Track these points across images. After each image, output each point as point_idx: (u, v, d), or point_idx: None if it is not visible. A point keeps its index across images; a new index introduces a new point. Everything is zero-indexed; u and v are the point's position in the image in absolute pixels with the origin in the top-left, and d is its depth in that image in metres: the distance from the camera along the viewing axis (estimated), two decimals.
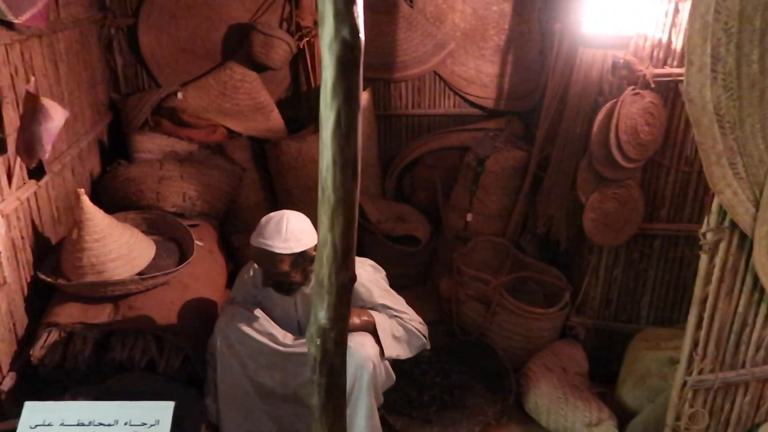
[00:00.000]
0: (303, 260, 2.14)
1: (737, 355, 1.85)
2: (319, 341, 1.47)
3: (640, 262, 2.72)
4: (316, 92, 3.81)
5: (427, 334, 2.36)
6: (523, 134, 3.72)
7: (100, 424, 1.54)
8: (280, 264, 2.06)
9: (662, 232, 2.64)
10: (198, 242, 2.81)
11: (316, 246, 2.19)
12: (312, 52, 3.79)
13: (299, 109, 3.98)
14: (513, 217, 3.26)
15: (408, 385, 2.76)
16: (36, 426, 1.54)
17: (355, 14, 1.23)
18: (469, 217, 3.26)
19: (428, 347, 2.37)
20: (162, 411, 1.58)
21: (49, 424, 1.54)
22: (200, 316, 2.54)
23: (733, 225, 1.68)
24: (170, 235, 2.85)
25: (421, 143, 3.95)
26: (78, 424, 1.53)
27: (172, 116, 3.62)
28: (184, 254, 2.73)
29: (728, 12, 1.47)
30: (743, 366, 1.87)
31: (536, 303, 3.02)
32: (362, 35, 1.25)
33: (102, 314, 2.39)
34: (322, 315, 1.44)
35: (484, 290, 2.85)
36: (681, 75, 2.33)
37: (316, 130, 3.73)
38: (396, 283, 3.65)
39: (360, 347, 2.12)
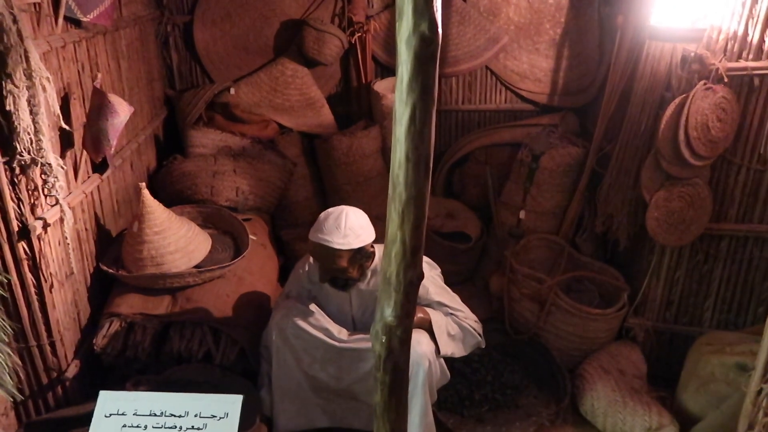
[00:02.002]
0: (361, 256, 2.13)
1: None
2: (384, 339, 1.46)
3: (705, 264, 2.61)
4: (366, 88, 3.82)
5: (481, 333, 2.33)
6: (578, 130, 3.63)
7: (171, 415, 1.57)
8: (338, 260, 2.06)
9: (730, 232, 2.53)
10: (252, 236, 2.83)
11: (374, 242, 2.20)
12: (363, 47, 3.78)
13: (350, 105, 3.98)
14: (568, 215, 3.19)
15: (460, 383, 2.73)
16: (110, 415, 1.57)
17: (435, 9, 1.20)
18: (522, 214, 3.20)
19: (483, 345, 2.34)
20: (231, 404, 1.59)
21: (122, 413, 1.57)
22: (255, 310, 2.56)
23: None
24: (225, 229, 2.88)
25: (472, 139, 3.90)
26: (150, 414, 1.56)
27: (225, 112, 3.67)
28: (238, 248, 2.76)
29: None
30: None
31: (592, 303, 2.95)
32: (440, 30, 1.22)
33: (161, 306, 2.44)
34: (388, 312, 1.43)
35: (539, 289, 2.80)
36: (757, 69, 2.23)
37: (367, 126, 3.74)
38: (446, 280, 3.65)
39: (416, 344, 2.09)
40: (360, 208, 3.58)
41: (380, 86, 3.72)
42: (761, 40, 2.21)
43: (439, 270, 2.39)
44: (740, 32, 2.21)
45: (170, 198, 3.18)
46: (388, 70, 3.91)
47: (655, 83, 2.44)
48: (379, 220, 3.70)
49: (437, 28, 1.21)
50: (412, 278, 1.40)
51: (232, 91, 3.78)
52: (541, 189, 3.24)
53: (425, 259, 2.38)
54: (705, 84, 2.23)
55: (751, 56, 2.23)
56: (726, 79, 2.23)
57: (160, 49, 3.75)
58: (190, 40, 3.78)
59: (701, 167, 2.36)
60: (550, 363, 2.79)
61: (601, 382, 2.53)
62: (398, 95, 1.26)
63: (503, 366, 2.87)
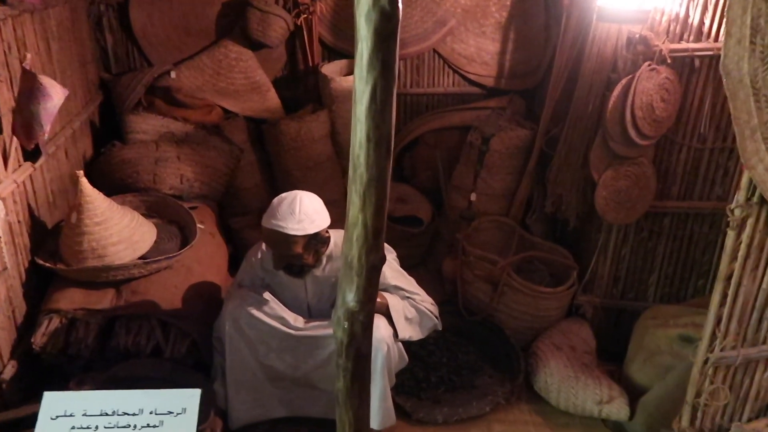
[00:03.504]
0: (316, 242, 2.09)
1: (759, 331, 1.84)
2: (346, 324, 1.43)
3: (650, 240, 2.70)
4: (313, 71, 3.73)
5: (438, 315, 2.33)
6: (525, 113, 3.67)
7: (125, 413, 1.48)
8: (293, 246, 2.01)
9: (672, 209, 2.63)
10: (200, 225, 2.73)
11: (328, 227, 2.16)
12: (310, 29, 3.69)
13: (297, 89, 3.88)
14: (517, 196, 3.23)
15: (416, 366, 2.74)
16: (57, 417, 1.47)
17: None
18: (473, 197, 3.22)
19: (440, 328, 2.35)
20: (188, 399, 1.52)
21: (70, 415, 1.47)
22: (205, 300, 2.48)
23: (762, 201, 1.65)
24: (171, 218, 2.77)
25: (421, 123, 3.88)
26: (101, 414, 1.47)
27: (166, 96, 3.51)
28: (185, 237, 2.66)
29: None
30: (764, 342, 1.86)
31: (542, 282, 3.01)
32: (401, 5, 1.19)
33: (104, 300, 2.32)
34: (350, 297, 1.39)
35: (491, 270, 2.83)
36: (697, 50, 2.30)
37: (315, 110, 3.66)
38: (400, 263, 3.65)
39: (374, 329, 2.02)
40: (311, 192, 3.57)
41: (328, 69, 3.65)
42: (701, 22, 2.28)
43: (395, 254, 2.38)
44: (682, 14, 2.28)
45: (111, 187, 3.01)
46: (335, 52, 3.84)
47: (602, 64, 2.49)
48: (330, 205, 3.64)
49: (398, 2, 1.17)
50: (375, 262, 1.37)
51: (173, 74, 3.61)
52: (491, 171, 3.27)
53: None
54: (650, 65, 2.28)
55: (692, 38, 2.31)
56: (669, 60, 2.29)
57: (93, 30, 3.54)
58: (126, 20, 3.59)
59: (646, 147, 2.43)
60: (504, 342, 2.83)
61: (553, 359, 2.59)
62: (358, 73, 1.22)
63: (458, 347, 2.89)
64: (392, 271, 2.24)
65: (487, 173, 3.27)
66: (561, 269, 2.97)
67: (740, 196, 1.66)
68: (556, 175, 2.81)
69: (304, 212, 2.01)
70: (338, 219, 3.63)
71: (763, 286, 1.78)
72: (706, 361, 1.84)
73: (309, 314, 2.30)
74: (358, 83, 1.22)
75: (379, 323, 2.12)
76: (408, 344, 2.71)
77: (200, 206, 3.07)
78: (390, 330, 2.14)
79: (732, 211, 1.68)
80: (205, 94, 3.63)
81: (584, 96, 2.58)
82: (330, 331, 2.13)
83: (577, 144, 2.65)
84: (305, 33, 3.70)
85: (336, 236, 2.22)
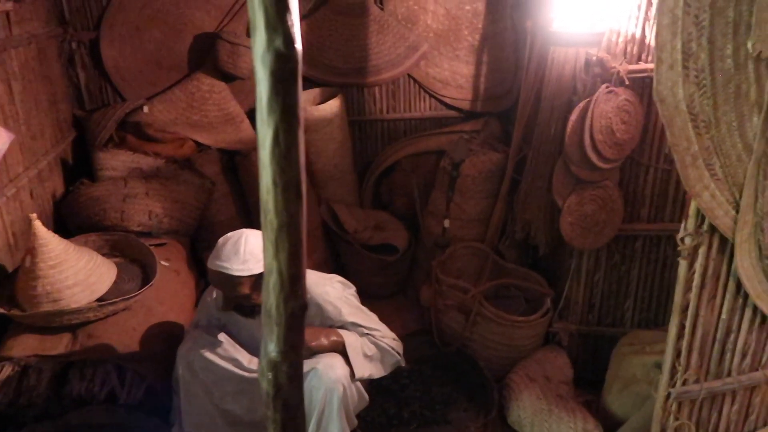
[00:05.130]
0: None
1: (722, 363, 1.76)
2: (270, 375, 1.36)
3: (622, 264, 2.63)
4: None
5: (401, 351, 2.26)
6: (501, 135, 3.63)
7: None
8: (239, 287, 1.95)
9: (643, 232, 2.55)
10: (163, 262, 2.69)
11: None
12: None
13: None
14: (492, 221, 3.17)
15: (387, 402, 2.67)
16: None
17: (290, 23, 1.12)
18: (447, 223, 3.16)
19: (403, 364, 2.27)
20: None
21: None
22: (166, 341, 2.42)
23: (713, 229, 1.58)
24: (133, 257, 2.73)
25: (397, 148, 3.85)
26: None
27: (138, 131, 3.50)
28: (147, 276, 2.61)
29: (699, 4, 1.38)
30: (729, 374, 1.78)
31: (519, 310, 2.93)
32: (299, 46, 1.14)
33: (59, 345, 2.27)
34: (272, 348, 1.33)
35: (463, 299, 2.75)
36: None
37: None
38: (376, 292, 3.60)
39: (329, 369, 2.02)
40: None
41: None
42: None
43: (354, 289, 2.31)
44: (638, 35, 2.23)
45: (79, 226, 3.01)
46: (309, 81, 3.83)
47: (562, 88, 2.44)
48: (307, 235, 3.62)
49: (294, 43, 1.13)
50: (294, 309, 1.30)
51: (146, 109, 3.61)
52: (465, 196, 3.21)
53: (338, 278, 2.31)
54: (607, 87, 2.23)
55: (650, 58, 2.25)
56: (627, 82, 2.24)
57: (66, 68, 3.55)
58: (99, 57, 3.60)
59: (610, 170, 2.36)
60: (478, 374, 2.75)
61: (526, 390, 2.50)
62: (259, 116, 1.17)
63: (433, 380, 2.82)
64: (350, 308, 2.18)
65: (460, 198, 3.21)
66: (537, 296, 2.90)
67: (689, 224, 1.59)
68: (524, 200, 2.75)
69: (249, 252, 1.96)
70: (314, 249, 3.62)
71: (723, 316, 1.70)
72: (668, 397, 1.76)
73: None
74: (260, 127, 1.17)
75: (335, 363, 2.05)
76: (380, 379, 2.63)
77: (169, 242, 3.03)
78: (346, 369, 2.07)
79: (682, 240, 1.61)
80: (179, 127, 3.62)
81: (546, 120, 2.53)
82: None
83: (542, 169, 2.60)
84: None
85: None
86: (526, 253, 3.10)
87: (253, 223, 3.64)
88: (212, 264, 1.97)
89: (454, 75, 3.84)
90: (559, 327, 2.75)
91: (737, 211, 1.54)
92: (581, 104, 2.25)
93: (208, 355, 2.10)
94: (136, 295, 2.40)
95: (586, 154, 2.26)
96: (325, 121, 3.50)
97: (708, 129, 1.46)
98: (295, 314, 1.32)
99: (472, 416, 2.59)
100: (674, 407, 1.77)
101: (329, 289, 2.15)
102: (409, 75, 3.85)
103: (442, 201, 3.24)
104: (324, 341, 2.07)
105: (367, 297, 3.55)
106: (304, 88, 3.81)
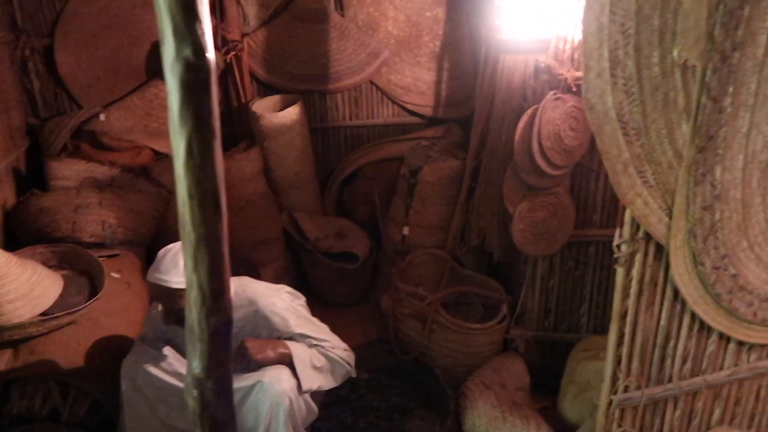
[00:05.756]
0: None
1: (663, 369, 1.76)
2: (195, 393, 1.33)
3: (576, 270, 2.63)
4: (246, 108, 3.68)
5: (353, 362, 2.23)
6: (463, 142, 3.63)
7: None
8: (179, 300, 1.91)
9: (596, 238, 2.56)
10: (114, 274, 2.63)
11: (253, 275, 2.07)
12: (240, 66, 3.64)
13: (232, 126, 3.83)
14: (451, 228, 3.16)
15: (344, 412, 2.63)
16: None
17: (200, 32, 1.09)
18: (406, 230, 3.14)
19: (354, 375, 2.24)
20: None
21: None
22: (113, 356, 2.35)
23: (648, 236, 1.58)
24: (82, 269, 2.66)
25: (360, 155, 3.84)
26: None
27: (93, 140, 3.43)
28: (96, 289, 2.55)
29: (624, 12, 1.38)
30: (670, 380, 1.78)
31: (477, 317, 2.92)
32: (211, 55, 1.12)
33: (0, 362, 2.20)
34: (195, 365, 1.29)
35: (420, 307, 2.74)
36: None
37: (248, 147, 3.60)
38: (338, 301, 3.57)
39: (274, 382, 1.98)
40: (244, 233, 3.49)
41: (259, 106, 3.60)
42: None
43: (304, 300, 2.28)
44: None
45: (30, 237, 2.93)
46: (270, 88, 3.80)
47: (512, 94, 2.45)
48: (266, 244, 3.58)
49: (205, 52, 1.10)
50: (217, 325, 1.27)
51: (102, 117, 3.54)
52: (425, 203, 3.20)
53: (287, 289, 2.28)
54: (555, 94, 2.24)
55: None
56: (575, 89, 2.25)
57: (18, 75, 3.47)
58: (53, 64, 3.53)
59: (560, 176, 2.37)
60: (436, 382, 2.73)
61: (482, 398, 2.49)
62: (171, 127, 1.14)
63: (391, 389, 2.79)
64: (298, 319, 2.14)
65: (420, 205, 3.20)
66: (495, 302, 2.89)
67: (624, 231, 1.59)
68: (478, 207, 2.74)
69: None
70: (276, 258, 3.58)
71: (662, 322, 1.70)
72: (610, 404, 1.76)
73: None
74: (173, 138, 1.14)
75: (281, 375, 2.02)
76: (337, 389, 2.60)
77: (123, 253, 2.97)
78: (293, 382, 2.04)
79: (618, 247, 1.61)
80: (136, 135, 3.56)
81: (498, 127, 2.53)
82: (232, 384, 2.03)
83: (495, 176, 2.59)
84: (236, 70, 3.65)
85: (236, 285, 2.12)
86: (483, 259, 3.10)
87: None
88: (151, 277, 1.92)
89: (416, 81, 3.84)
90: (515, 334, 2.74)
91: (670, 218, 1.55)
92: (529, 111, 2.26)
93: (152, 369, 2.05)
94: (82, 308, 2.34)
95: (535, 161, 2.26)
96: (285, 128, 3.47)
97: (638, 136, 1.46)
98: (218, 330, 1.29)
99: (429, 425, 2.57)
100: (617, 414, 1.77)
101: (276, 300, 2.12)
102: (371, 81, 3.84)
103: (402, 208, 3.23)
104: (270, 353, 2.04)
105: (329, 305, 3.56)
106: (265, 95, 3.78)
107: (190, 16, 1.07)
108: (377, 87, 3.86)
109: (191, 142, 1.14)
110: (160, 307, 2.19)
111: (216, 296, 1.25)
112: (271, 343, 2.06)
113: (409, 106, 3.89)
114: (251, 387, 2.00)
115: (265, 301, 2.10)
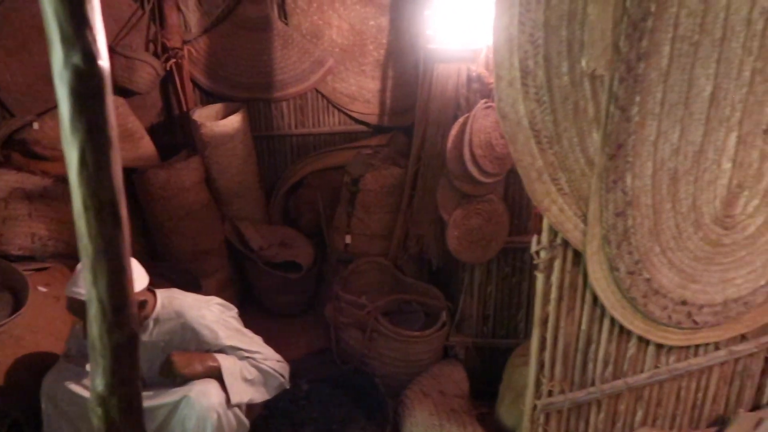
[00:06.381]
0: None
1: (585, 373, 1.79)
2: (99, 411, 1.28)
3: (513, 276, 2.66)
4: (187, 116, 3.62)
5: (286, 373, 2.20)
6: (407, 150, 3.64)
7: None
8: None
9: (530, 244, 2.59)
10: (41, 288, 2.54)
11: (145, 290, 2.02)
12: (181, 73, 3.58)
13: (174, 135, 3.75)
14: (394, 236, 3.16)
15: (282, 425, 2.59)
16: None
17: (90, 38, 1.07)
18: (348, 238, 3.13)
19: (287, 386, 2.21)
20: None
21: None
22: (34, 373, 2.26)
23: (566, 242, 1.61)
24: (6, 284, 2.55)
25: (305, 164, 3.82)
26: None
27: (24, 149, 3.31)
28: (20, 303, 2.45)
29: (533, 23, 1.40)
30: (593, 384, 1.81)
31: (418, 325, 2.92)
32: (103, 62, 1.09)
33: None
34: (98, 382, 1.25)
35: (359, 316, 2.72)
36: None
37: (188, 156, 3.53)
38: (283, 311, 3.52)
39: (201, 397, 1.94)
40: (185, 243, 3.42)
41: (201, 114, 3.54)
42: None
43: (236, 311, 2.24)
44: None
45: None
46: (213, 96, 3.75)
47: (446, 103, 2.47)
48: (208, 255, 3.51)
49: (96, 59, 1.07)
50: (120, 340, 1.23)
51: (36, 125, 3.42)
52: (368, 211, 3.19)
53: (218, 300, 2.23)
54: (486, 102, 2.26)
55: None
56: None
57: None
58: None
59: (493, 183, 2.39)
60: (376, 391, 2.72)
61: (420, 406, 2.48)
62: (63, 136, 1.11)
63: (332, 399, 2.76)
64: (228, 331, 2.10)
65: (363, 213, 3.19)
66: (435, 310, 2.90)
67: (543, 237, 1.61)
68: (416, 214, 2.75)
69: None
70: (219, 268, 3.51)
71: (583, 327, 1.73)
72: (534, 408, 1.77)
73: (142, 383, 2.12)
74: (65, 148, 1.11)
75: (209, 389, 1.97)
76: (277, 401, 2.57)
77: (53, 266, 2.87)
78: (222, 395, 2.00)
79: (537, 253, 1.63)
80: None
81: (434, 135, 2.55)
82: (157, 401, 1.98)
83: (431, 183, 2.61)
84: (177, 77, 3.59)
85: (163, 297, 2.07)
86: (425, 267, 3.11)
87: (151, 242, 3.51)
88: (68, 291, 1.86)
89: (361, 90, 3.85)
90: (455, 340, 2.75)
91: (586, 224, 1.58)
92: (461, 119, 2.28)
93: (73, 387, 1.98)
94: (2, 325, 2.24)
95: (467, 169, 2.28)
96: (227, 137, 3.42)
97: (551, 144, 1.48)
98: (122, 345, 1.25)
99: None
100: (542, 419, 1.79)
101: (206, 312, 2.08)
102: (316, 90, 3.83)
103: (345, 216, 3.22)
104: (198, 367, 1.99)
105: (274, 316, 3.51)
106: (208, 103, 3.73)
107: (79, 22, 1.04)
108: (322, 95, 3.85)
109: (84, 151, 1.11)
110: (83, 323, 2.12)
111: (117, 310, 1.22)
112: (198, 357, 2.01)
113: (354, 115, 3.90)
114: (177, 402, 1.95)
115: (194, 314, 2.05)
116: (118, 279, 1.21)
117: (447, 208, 2.41)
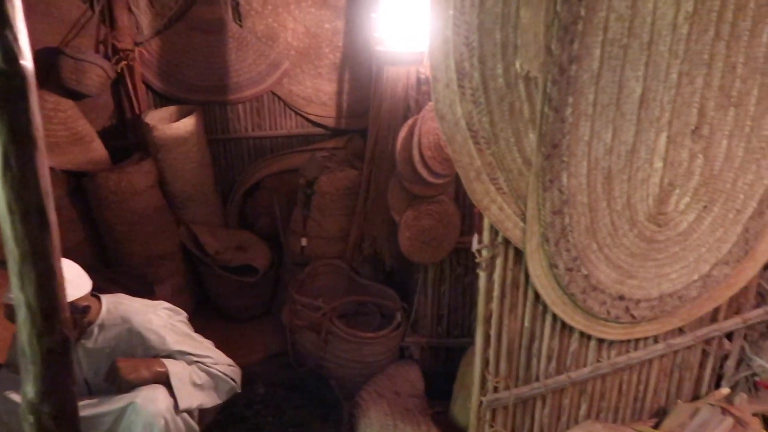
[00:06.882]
0: (71, 313, 1.89)
1: (530, 369, 1.83)
2: (31, 419, 1.26)
3: (466, 276, 2.70)
4: (140, 119, 3.56)
5: (238, 377, 2.18)
6: (364, 153, 3.65)
7: None
8: None
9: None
10: None
11: (88, 295, 1.98)
12: (133, 76, 3.52)
13: (126, 138, 3.69)
14: (350, 238, 3.17)
15: (237, 430, 2.57)
16: None
17: (10, 37, 1.05)
18: (304, 241, 3.12)
19: (238, 390, 2.19)
20: None
21: None
22: None
23: (507, 240, 1.64)
24: None
25: (262, 167, 3.79)
26: None
27: None
28: None
29: (467, 26, 1.43)
30: (537, 379, 1.85)
31: (374, 326, 2.93)
32: (26, 62, 1.07)
33: None
34: (29, 389, 1.23)
35: (314, 318, 2.72)
36: None
37: (141, 159, 3.48)
38: (240, 315, 3.49)
39: (148, 403, 1.91)
40: (138, 248, 3.36)
41: (153, 117, 3.49)
42: None
43: (184, 315, 2.21)
44: None
45: None
46: (167, 99, 3.69)
47: (396, 105, 2.49)
48: (162, 260, 3.45)
49: (18, 59, 1.05)
50: (51, 346, 1.21)
51: None
52: (324, 214, 3.19)
53: (165, 305, 2.20)
54: None
55: None
56: None
57: None
58: None
59: (443, 184, 2.42)
60: (332, 393, 2.72)
61: (374, 407, 2.50)
62: None
63: (287, 402, 2.76)
64: (176, 335, 2.08)
65: (319, 216, 3.19)
66: (391, 311, 2.91)
67: (485, 236, 1.64)
68: (370, 216, 2.77)
69: None
70: (173, 273, 3.46)
71: (526, 324, 1.77)
72: (480, 405, 1.80)
73: (89, 391, 2.08)
74: None
75: (156, 395, 1.94)
76: (231, 405, 2.55)
77: None
78: (169, 401, 1.97)
79: (479, 252, 1.66)
80: None
81: (385, 137, 2.57)
82: (102, 408, 1.94)
83: (383, 185, 2.63)
84: (129, 80, 3.53)
85: (109, 302, 2.04)
86: (381, 268, 3.12)
87: (104, 248, 3.44)
88: (5, 298, 1.81)
89: (318, 92, 3.85)
90: (410, 341, 2.77)
91: (525, 223, 1.61)
92: (410, 121, 2.30)
93: (14, 397, 1.93)
94: None
95: (417, 170, 2.30)
96: (180, 140, 3.37)
97: (488, 145, 1.52)
98: (53, 351, 1.23)
99: None
100: (488, 415, 1.82)
101: (152, 317, 2.05)
102: (272, 92, 3.81)
103: (301, 219, 3.21)
104: (144, 373, 1.96)
105: (231, 321, 3.48)
106: (163, 106, 3.67)
107: (2, 20, 1.03)
108: (279, 98, 3.84)
109: (7, 153, 1.09)
110: None
111: (48, 316, 1.20)
112: (145, 362, 1.98)
113: (311, 117, 3.89)
114: (123, 409, 1.92)
115: (140, 319, 2.02)
116: (47, 283, 1.19)
117: (398, 209, 2.43)
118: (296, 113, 3.90)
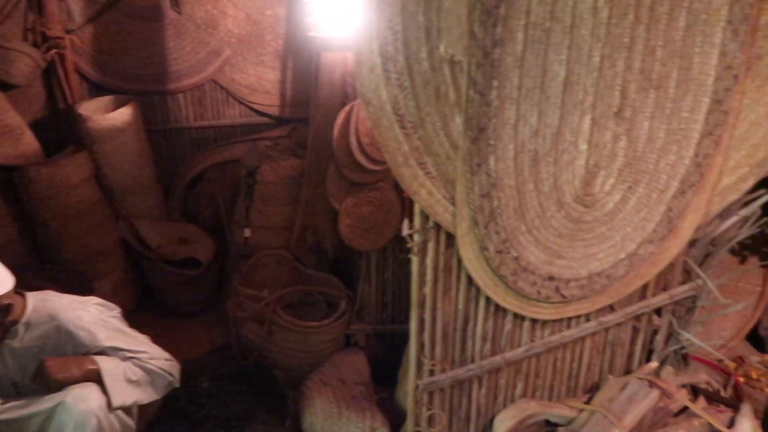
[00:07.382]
0: None
1: (465, 351, 1.85)
2: None
3: (409, 262, 2.70)
4: (73, 110, 3.43)
5: (175, 372, 2.14)
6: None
7: None
8: None
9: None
10: None
11: (11, 293, 1.90)
12: (64, 65, 3.39)
13: (60, 130, 3.54)
14: (294, 228, 3.14)
15: (179, 425, 2.52)
16: None
17: None
18: (247, 232, 3.08)
19: (177, 384, 2.15)
20: None
21: None
22: None
23: (438, 225, 1.65)
24: None
25: (204, 157, 3.72)
26: None
27: None
28: None
29: (391, 9, 1.42)
30: (473, 361, 1.88)
31: (321, 315, 2.92)
32: None
33: None
34: None
35: (257, 309, 2.69)
36: None
37: (75, 152, 3.35)
38: (186, 309, 3.43)
39: (79, 401, 1.85)
40: (75, 244, 3.24)
41: (88, 108, 3.37)
42: None
43: (118, 311, 2.14)
44: None
45: None
46: (103, 89, 3.57)
47: (333, 92, 2.47)
48: (100, 255, 3.35)
49: None
50: None
51: None
52: (268, 204, 3.15)
53: (97, 300, 2.14)
54: None
55: None
56: None
57: None
58: None
59: (382, 171, 2.42)
60: (277, 384, 2.70)
61: (319, 396, 2.49)
62: None
63: (232, 396, 2.72)
64: (108, 331, 2.01)
65: (263, 206, 3.15)
66: (336, 300, 2.91)
67: (416, 221, 1.65)
68: (311, 205, 2.75)
69: None
70: (113, 269, 3.37)
71: (460, 306, 1.79)
72: (417, 388, 1.82)
73: (17, 392, 2.00)
74: None
75: (87, 393, 1.88)
76: (174, 400, 2.50)
77: None
78: (102, 399, 1.91)
79: (410, 237, 1.66)
80: None
81: (323, 124, 2.54)
82: (30, 410, 1.87)
83: (323, 173, 2.61)
84: (60, 68, 3.39)
85: (35, 300, 1.96)
86: (325, 257, 3.11)
87: (38, 245, 3.31)
88: None
89: (261, 81, 3.79)
90: (355, 328, 2.78)
91: (455, 207, 1.62)
92: (346, 108, 2.29)
93: None
94: None
95: (354, 157, 2.29)
96: (116, 131, 3.27)
97: (415, 129, 1.51)
98: None
99: (269, 429, 2.53)
100: (425, 398, 1.84)
101: (82, 314, 1.98)
102: (214, 81, 3.74)
103: (243, 209, 3.16)
104: (74, 371, 1.90)
105: (175, 315, 3.41)
106: (99, 96, 3.55)
107: None
108: (221, 86, 3.77)
109: None
110: None
111: None
112: (75, 360, 1.92)
113: (255, 106, 3.84)
114: (52, 409, 1.85)
115: (68, 315, 1.95)
116: None
117: (337, 197, 2.41)
118: (240, 102, 3.84)
